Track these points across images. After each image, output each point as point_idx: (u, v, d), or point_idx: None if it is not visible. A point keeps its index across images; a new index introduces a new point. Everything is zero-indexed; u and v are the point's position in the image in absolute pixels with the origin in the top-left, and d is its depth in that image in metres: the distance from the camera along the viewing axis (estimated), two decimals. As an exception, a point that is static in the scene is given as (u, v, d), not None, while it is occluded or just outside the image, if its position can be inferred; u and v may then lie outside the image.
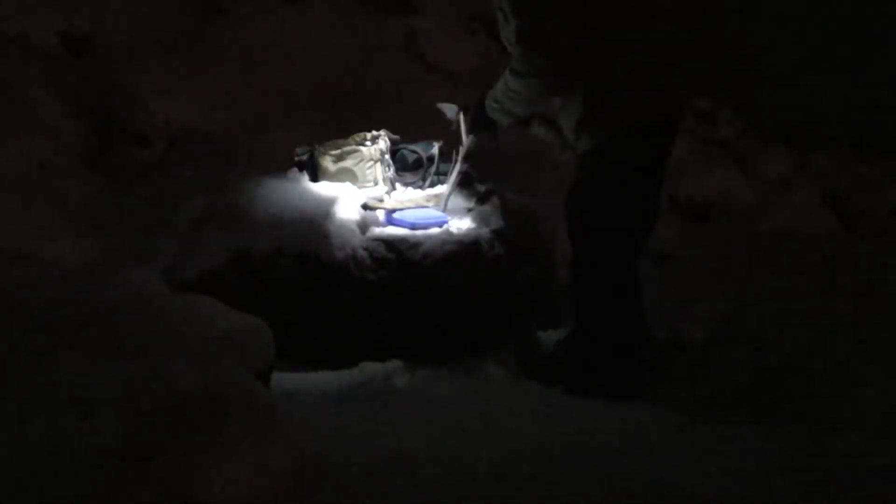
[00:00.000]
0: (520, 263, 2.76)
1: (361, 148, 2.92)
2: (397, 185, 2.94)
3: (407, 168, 2.98)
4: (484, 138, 2.55)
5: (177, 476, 1.28)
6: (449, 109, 2.63)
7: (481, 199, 2.87)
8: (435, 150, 2.97)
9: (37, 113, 3.40)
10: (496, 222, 2.75)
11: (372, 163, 2.91)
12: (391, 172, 2.94)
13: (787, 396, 2.35)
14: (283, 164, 2.98)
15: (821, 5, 4.31)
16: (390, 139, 3.00)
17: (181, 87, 4.03)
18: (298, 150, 3.01)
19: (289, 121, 3.92)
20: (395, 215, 2.73)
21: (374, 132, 3.00)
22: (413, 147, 3.01)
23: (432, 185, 2.91)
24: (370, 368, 2.47)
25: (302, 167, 2.95)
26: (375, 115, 3.66)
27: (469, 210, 2.83)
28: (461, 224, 2.73)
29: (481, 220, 2.77)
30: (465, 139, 2.59)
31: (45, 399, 1.52)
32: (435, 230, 2.67)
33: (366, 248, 2.60)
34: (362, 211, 2.74)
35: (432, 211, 2.76)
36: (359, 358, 2.52)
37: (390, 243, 2.60)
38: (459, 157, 2.65)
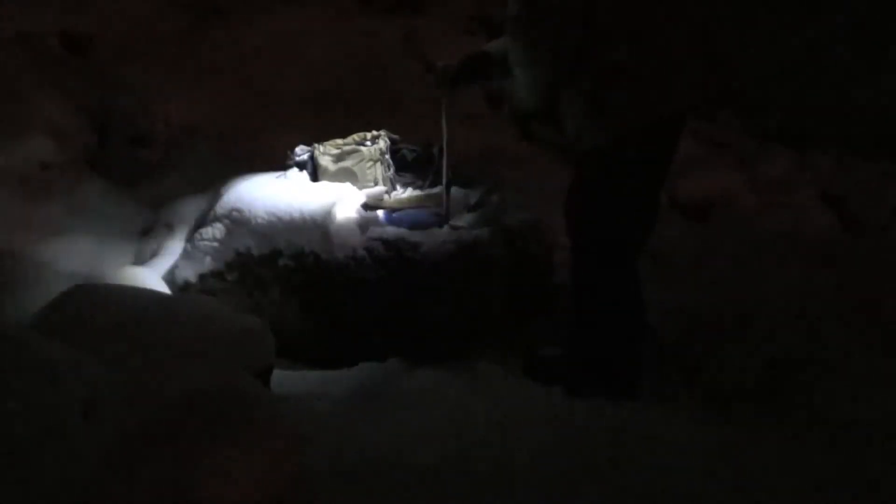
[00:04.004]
0: (519, 263, 2.76)
1: (361, 148, 2.92)
2: (397, 185, 2.94)
3: (407, 168, 2.98)
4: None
5: (177, 476, 1.28)
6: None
7: (481, 199, 2.87)
8: (435, 149, 2.97)
9: (37, 113, 3.40)
10: (496, 222, 2.75)
11: (372, 163, 2.90)
12: (391, 172, 2.94)
13: (788, 396, 2.36)
14: (282, 165, 2.98)
15: (821, 6, 4.32)
16: (390, 139, 3.00)
17: (181, 87, 4.04)
18: (298, 150, 3.01)
19: (289, 121, 3.92)
20: (395, 215, 2.73)
21: (374, 132, 3.00)
22: (413, 147, 3.01)
23: (432, 184, 2.91)
24: (370, 368, 2.47)
25: (302, 167, 2.95)
26: (375, 116, 3.66)
27: (469, 210, 2.82)
28: (461, 223, 2.73)
29: (481, 219, 2.77)
30: (446, 129, 2.58)
31: (45, 399, 1.52)
32: (435, 230, 2.66)
33: (366, 248, 2.59)
34: (362, 211, 2.74)
35: (432, 211, 2.76)
36: (359, 358, 2.52)
37: (390, 243, 2.60)
38: (444, 151, 2.64)
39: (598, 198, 2.23)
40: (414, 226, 2.67)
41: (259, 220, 2.67)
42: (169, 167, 3.67)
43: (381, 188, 2.88)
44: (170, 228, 3.11)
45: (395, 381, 2.37)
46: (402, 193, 2.88)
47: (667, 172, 2.29)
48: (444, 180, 2.68)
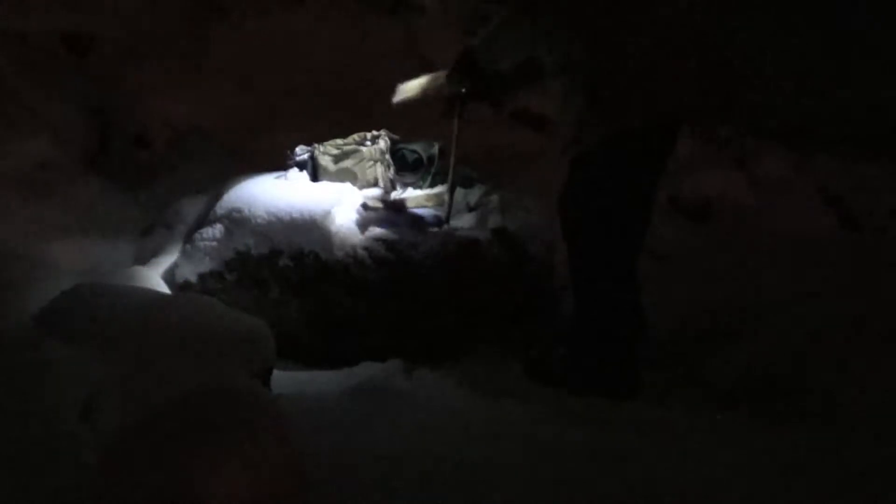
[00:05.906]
0: (519, 263, 2.76)
1: (361, 148, 2.92)
2: (397, 185, 2.94)
3: (407, 168, 2.99)
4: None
5: (176, 476, 1.28)
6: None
7: (481, 199, 2.87)
8: (435, 149, 2.97)
9: (37, 113, 3.40)
10: (496, 222, 2.75)
11: (372, 163, 2.91)
12: (391, 172, 2.94)
13: (787, 396, 2.36)
14: (282, 164, 2.98)
15: (821, 6, 4.32)
16: (390, 139, 3.00)
17: (181, 87, 4.03)
18: (298, 150, 3.01)
19: (289, 121, 3.92)
20: (395, 215, 2.73)
21: (374, 132, 3.00)
22: (413, 147, 3.01)
23: (432, 184, 2.91)
24: (370, 368, 2.47)
25: (302, 167, 2.95)
26: (375, 115, 3.66)
27: (469, 210, 2.83)
28: (461, 223, 2.73)
29: (481, 219, 2.77)
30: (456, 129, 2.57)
31: (45, 399, 1.52)
32: (434, 230, 2.67)
33: (366, 248, 2.60)
34: (362, 211, 2.74)
35: (432, 211, 2.76)
36: (359, 358, 2.52)
37: (390, 243, 2.60)
38: (453, 154, 2.63)
39: (597, 198, 2.23)
40: (414, 226, 2.67)
41: (259, 220, 2.67)
42: (169, 167, 3.67)
43: (380, 188, 2.88)
44: (170, 228, 3.11)
45: (395, 381, 2.37)
46: (403, 193, 2.88)
47: (663, 172, 2.29)
48: (449, 182, 2.68)
